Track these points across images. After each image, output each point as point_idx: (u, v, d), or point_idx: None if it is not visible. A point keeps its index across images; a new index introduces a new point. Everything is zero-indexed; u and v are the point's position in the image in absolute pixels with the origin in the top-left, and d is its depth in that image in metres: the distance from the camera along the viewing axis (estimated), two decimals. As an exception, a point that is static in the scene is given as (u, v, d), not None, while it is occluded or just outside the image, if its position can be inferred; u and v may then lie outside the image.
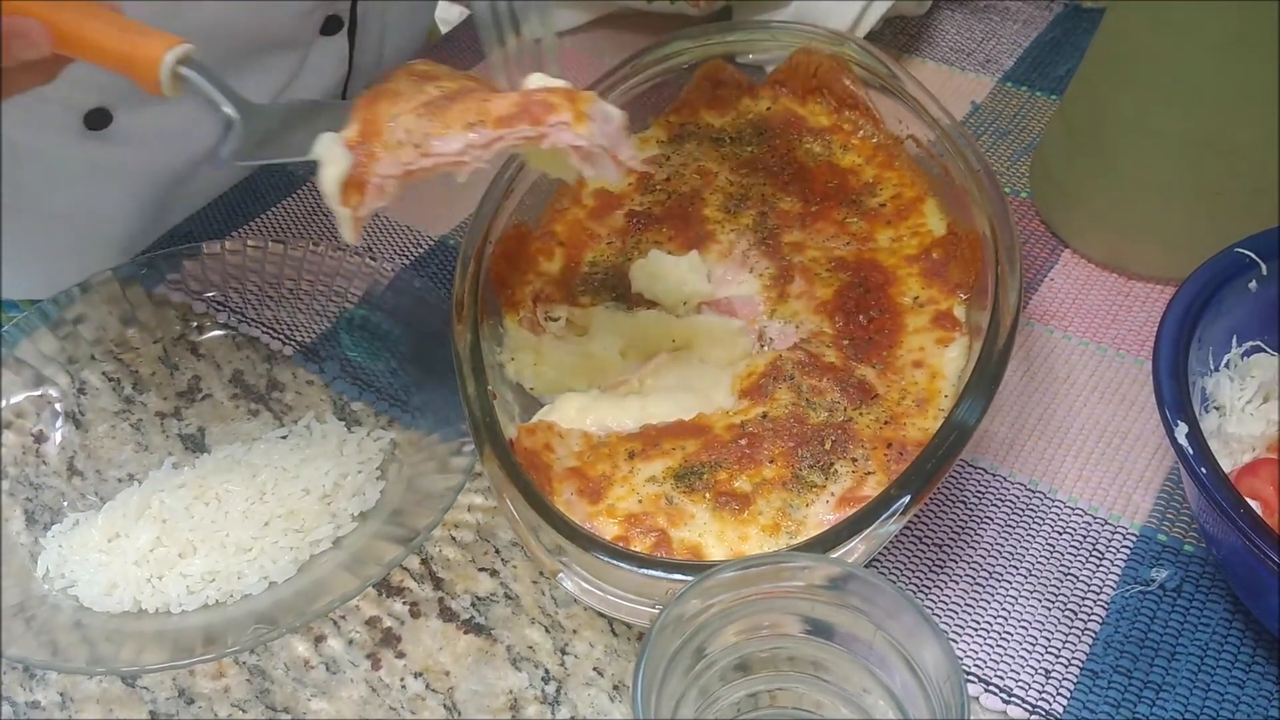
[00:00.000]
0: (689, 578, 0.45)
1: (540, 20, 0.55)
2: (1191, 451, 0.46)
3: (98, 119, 0.77)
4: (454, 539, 0.60)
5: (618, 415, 0.59)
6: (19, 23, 0.46)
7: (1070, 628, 0.53)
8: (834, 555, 0.46)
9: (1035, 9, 0.93)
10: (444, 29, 1.06)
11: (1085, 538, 0.57)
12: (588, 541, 0.48)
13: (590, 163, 0.48)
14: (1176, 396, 0.49)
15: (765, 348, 0.61)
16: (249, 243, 0.72)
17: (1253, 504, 0.47)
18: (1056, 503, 0.58)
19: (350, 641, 0.56)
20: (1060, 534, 0.57)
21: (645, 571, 0.47)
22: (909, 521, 0.49)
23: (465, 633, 0.56)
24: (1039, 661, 0.52)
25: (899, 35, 0.91)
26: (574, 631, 0.56)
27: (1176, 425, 0.47)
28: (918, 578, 0.56)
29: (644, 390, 0.61)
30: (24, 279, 0.86)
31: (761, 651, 0.44)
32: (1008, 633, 0.53)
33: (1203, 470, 0.46)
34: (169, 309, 0.71)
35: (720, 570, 0.41)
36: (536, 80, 0.50)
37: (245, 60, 0.80)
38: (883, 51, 0.70)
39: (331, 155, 0.47)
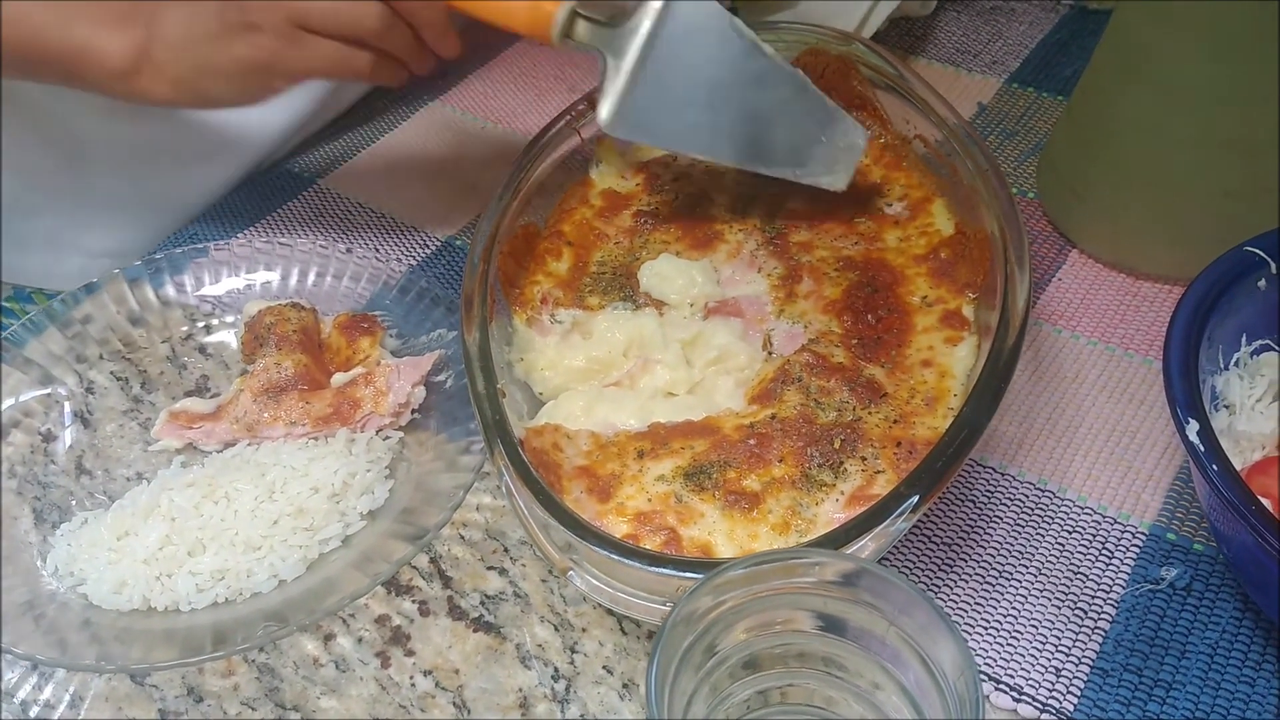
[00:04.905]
0: (700, 575, 0.45)
1: None
2: (1203, 449, 0.46)
3: None
4: (463, 537, 0.60)
5: (620, 414, 0.59)
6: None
7: (1080, 626, 0.53)
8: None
9: (1040, 10, 0.93)
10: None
11: (1095, 536, 0.57)
12: (599, 539, 0.47)
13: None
14: (1187, 395, 0.48)
15: (771, 354, 0.61)
16: (256, 243, 0.72)
17: (1263, 501, 0.47)
18: (1066, 501, 0.58)
19: (360, 640, 0.56)
20: (1070, 533, 0.57)
21: (656, 569, 0.47)
22: (918, 520, 0.49)
23: (474, 631, 0.56)
24: (1049, 660, 0.52)
25: (904, 36, 0.91)
26: (583, 630, 0.56)
27: (1188, 423, 0.47)
28: (927, 576, 0.56)
29: (635, 388, 0.61)
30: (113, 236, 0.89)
31: (771, 648, 0.44)
32: (1018, 631, 0.53)
33: (1214, 468, 0.46)
34: (176, 309, 0.71)
35: (732, 567, 0.41)
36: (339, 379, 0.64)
37: None
38: (889, 52, 0.70)
39: (167, 434, 0.64)
